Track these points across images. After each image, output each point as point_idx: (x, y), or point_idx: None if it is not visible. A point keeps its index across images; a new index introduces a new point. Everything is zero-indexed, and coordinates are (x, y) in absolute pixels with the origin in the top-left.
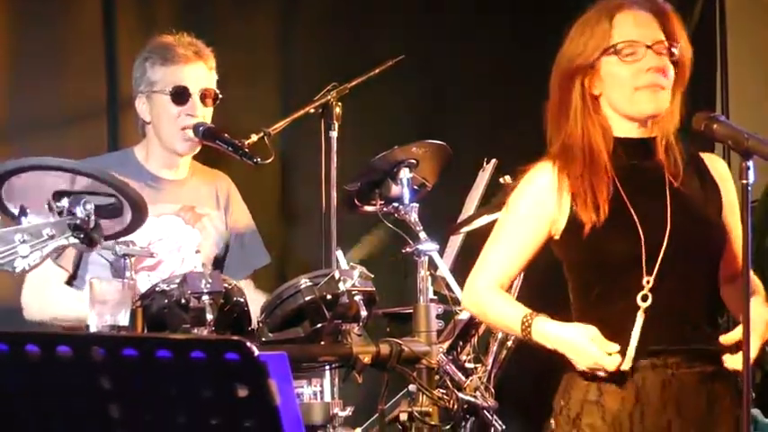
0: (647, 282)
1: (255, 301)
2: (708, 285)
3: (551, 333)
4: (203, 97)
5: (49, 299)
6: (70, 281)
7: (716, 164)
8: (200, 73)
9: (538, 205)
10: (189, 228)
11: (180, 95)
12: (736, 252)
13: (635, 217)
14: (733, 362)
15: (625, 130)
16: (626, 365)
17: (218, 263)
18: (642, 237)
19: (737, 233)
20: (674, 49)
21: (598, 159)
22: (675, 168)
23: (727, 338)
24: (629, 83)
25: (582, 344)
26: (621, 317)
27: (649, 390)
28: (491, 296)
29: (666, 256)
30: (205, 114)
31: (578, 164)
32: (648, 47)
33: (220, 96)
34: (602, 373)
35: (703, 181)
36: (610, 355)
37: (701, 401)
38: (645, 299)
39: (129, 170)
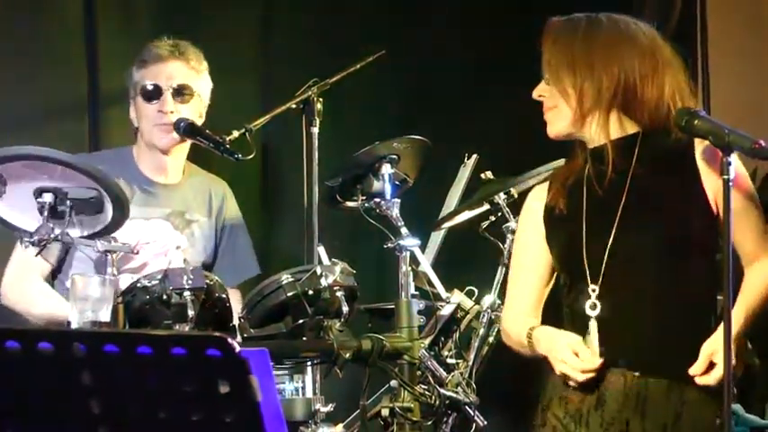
0: (593, 290)
1: (237, 311)
2: (670, 292)
3: (542, 336)
4: (178, 93)
5: (26, 291)
6: (54, 275)
7: (702, 149)
8: (178, 70)
9: (534, 229)
10: (177, 233)
11: (149, 92)
12: (741, 234)
13: (584, 227)
14: (704, 380)
15: (592, 140)
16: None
17: (206, 270)
18: (584, 247)
19: (739, 214)
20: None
21: (574, 173)
22: (644, 168)
23: (694, 369)
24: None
25: (559, 349)
26: (580, 325)
27: (612, 389)
28: (512, 327)
29: (611, 265)
30: (179, 110)
31: (560, 178)
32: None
33: (197, 92)
34: (571, 383)
35: (684, 174)
36: (583, 368)
37: (668, 404)
38: (593, 307)
39: (125, 170)
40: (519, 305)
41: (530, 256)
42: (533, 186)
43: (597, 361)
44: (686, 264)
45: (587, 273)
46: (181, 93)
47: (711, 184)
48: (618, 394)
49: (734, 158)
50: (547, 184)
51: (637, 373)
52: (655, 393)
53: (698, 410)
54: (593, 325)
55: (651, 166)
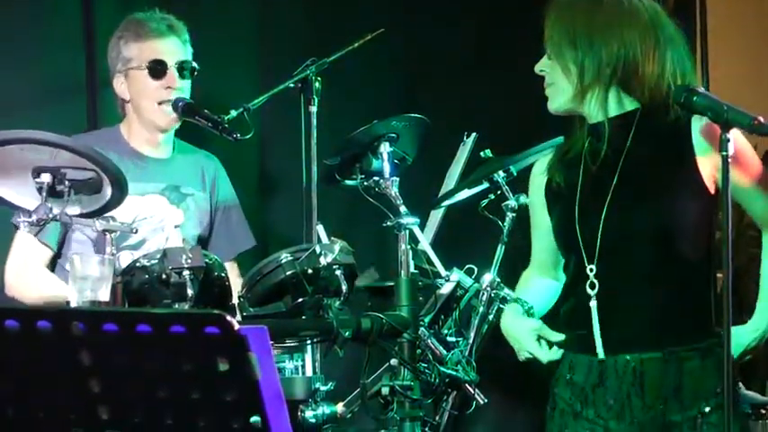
0: (591, 270)
1: (236, 285)
2: (665, 269)
3: (503, 322)
4: (180, 70)
5: (29, 282)
6: (54, 259)
7: (699, 126)
8: (175, 47)
9: (537, 195)
10: (173, 207)
11: (157, 69)
12: (751, 203)
13: (576, 204)
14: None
15: (591, 116)
16: (600, 355)
17: (202, 243)
18: (578, 225)
19: (740, 185)
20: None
21: (575, 148)
22: (640, 145)
23: None
24: None
25: (519, 336)
26: (581, 304)
27: (612, 367)
28: (518, 284)
29: (605, 243)
30: (183, 87)
31: (561, 152)
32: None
33: (197, 68)
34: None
35: (680, 152)
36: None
37: (666, 377)
38: (593, 287)
39: (116, 148)
40: (535, 263)
41: (539, 221)
42: (533, 164)
43: (558, 353)
44: (681, 241)
45: (583, 252)
46: (182, 69)
47: (707, 161)
48: (616, 372)
49: (734, 134)
50: (551, 156)
51: (633, 350)
52: (651, 368)
53: (698, 381)
54: (593, 304)
55: (647, 144)
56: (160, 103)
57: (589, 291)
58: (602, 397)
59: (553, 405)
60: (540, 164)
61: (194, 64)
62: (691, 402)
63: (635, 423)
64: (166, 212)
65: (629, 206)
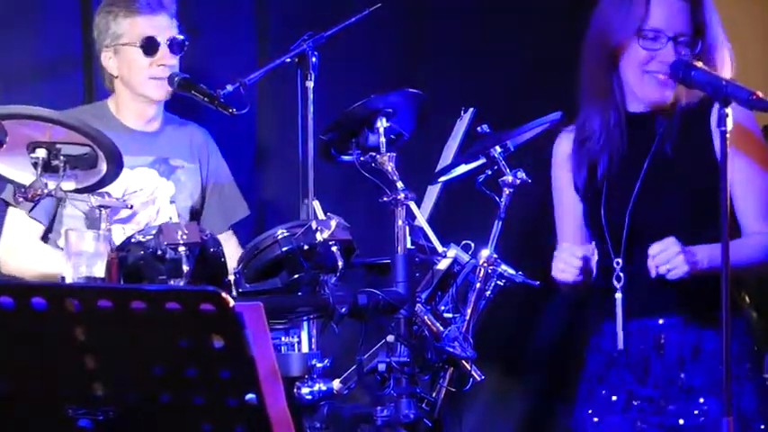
0: (618, 263)
1: (236, 256)
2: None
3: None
4: (171, 46)
5: (24, 256)
6: (46, 235)
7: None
8: (166, 22)
9: (566, 177)
10: (163, 180)
11: (150, 47)
12: (743, 204)
13: (603, 196)
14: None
15: (634, 105)
16: (620, 345)
17: (194, 215)
18: (604, 218)
19: (743, 176)
20: (699, 42)
21: (605, 134)
22: (671, 138)
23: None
24: (641, 66)
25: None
26: (608, 296)
27: (635, 333)
28: None
29: (631, 238)
30: (174, 63)
31: (589, 137)
32: (670, 39)
33: (187, 44)
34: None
35: (700, 141)
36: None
37: (685, 339)
38: (618, 279)
39: (103, 123)
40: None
41: (570, 201)
42: (530, 140)
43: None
44: (707, 224)
45: (609, 245)
46: (173, 45)
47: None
48: (638, 336)
49: (744, 113)
50: (573, 134)
51: (654, 316)
52: (670, 331)
53: (717, 342)
54: (618, 297)
55: (672, 136)
56: (151, 78)
57: (615, 283)
58: (624, 361)
59: (583, 369)
60: (565, 144)
61: (184, 39)
62: (713, 366)
63: (657, 387)
64: (157, 185)
65: (657, 197)
